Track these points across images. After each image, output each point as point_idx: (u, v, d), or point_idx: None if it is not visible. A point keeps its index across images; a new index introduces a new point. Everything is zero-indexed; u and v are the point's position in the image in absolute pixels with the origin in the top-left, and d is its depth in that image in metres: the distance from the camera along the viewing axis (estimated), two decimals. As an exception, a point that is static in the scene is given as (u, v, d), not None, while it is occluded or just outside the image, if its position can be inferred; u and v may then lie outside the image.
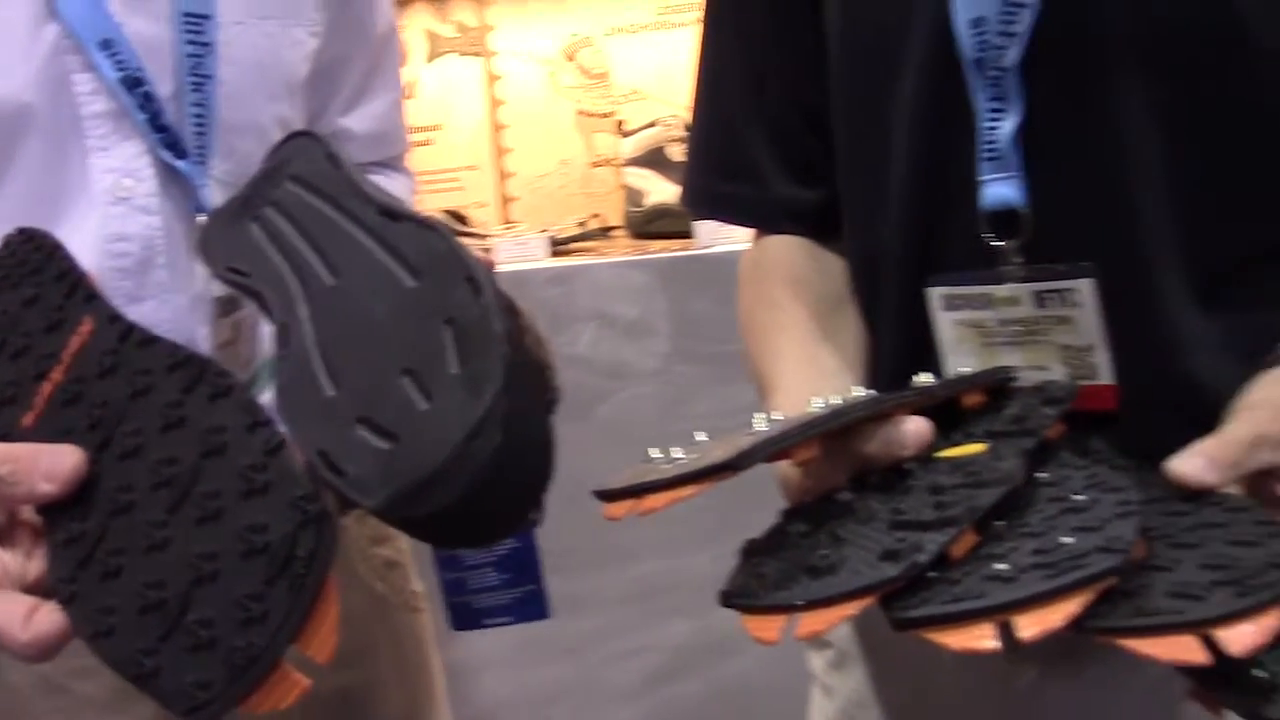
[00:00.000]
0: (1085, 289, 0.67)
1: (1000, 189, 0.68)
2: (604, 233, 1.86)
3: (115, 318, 0.58)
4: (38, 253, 0.62)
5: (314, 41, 0.83)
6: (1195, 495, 0.57)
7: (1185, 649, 0.46)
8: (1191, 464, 0.58)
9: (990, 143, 0.68)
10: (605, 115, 1.96)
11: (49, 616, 0.50)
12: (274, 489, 0.51)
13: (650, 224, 1.83)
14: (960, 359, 0.72)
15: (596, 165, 1.97)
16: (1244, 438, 0.59)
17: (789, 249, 0.82)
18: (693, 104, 0.86)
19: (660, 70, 1.94)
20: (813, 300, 0.79)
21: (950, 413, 0.66)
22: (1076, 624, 0.47)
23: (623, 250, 1.78)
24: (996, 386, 0.69)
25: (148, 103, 0.72)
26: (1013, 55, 0.66)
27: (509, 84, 1.95)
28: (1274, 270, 0.68)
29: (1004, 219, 0.68)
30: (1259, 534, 0.52)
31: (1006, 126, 0.67)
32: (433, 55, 1.95)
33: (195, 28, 0.74)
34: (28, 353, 0.59)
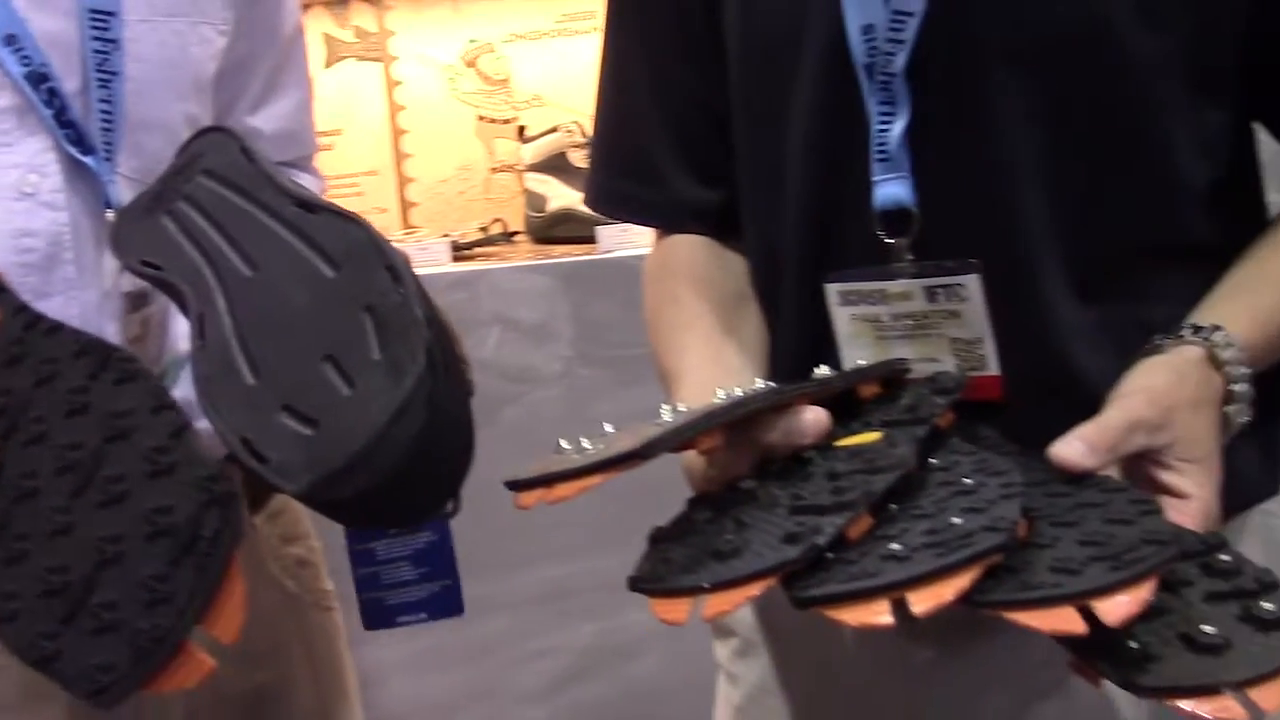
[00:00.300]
0: (972, 284, 0.70)
1: (891, 189, 0.71)
2: (507, 238, 1.86)
3: (21, 308, 0.58)
4: None
5: (222, 40, 0.83)
6: (1076, 478, 0.61)
7: (1065, 620, 0.49)
8: (1071, 448, 0.61)
9: (881, 144, 0.71)
10: (506, 121, 1.96)
11: None
12: (179, 470, 0.51)
13: (552, 229, 1.85)
14: (856, 352, 0.75)
15: (498, 171, 1.97)
16: (1120, 423, 0.63)
17: (692, 248, 0.85)
18: (596, 106, 0.88)
19: (560, 77, 1.96)
20: (716, 297, 0.81)
21: (848, 403, 0.69)
22: (965, 598, 0.50)
23: (525, 255, 1.79)
24: (891, 378, 0.72)
25: (53, 98, 0.72)
26: (900, 61, 0.69)
27: (409, 89, 1.95)
28: (1146, 266, 0.72)
29: (895, 217, 0.71)
30: (1133, 512, 0.56)
31: (896, 129, 0.70)
32: (331, 60, 1.93)
33: (101, 24, 0.73)
34: None
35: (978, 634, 0.76)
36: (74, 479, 0.52)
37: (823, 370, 0.69)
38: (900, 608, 0.50)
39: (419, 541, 0.80)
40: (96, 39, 0.73)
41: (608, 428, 0.61)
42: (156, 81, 0.78)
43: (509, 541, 1.76)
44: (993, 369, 0.72)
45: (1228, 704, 0.49)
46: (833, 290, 0.74)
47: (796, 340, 0.78)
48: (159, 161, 0.65)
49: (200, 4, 0.82)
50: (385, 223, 1.95)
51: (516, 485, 0.56)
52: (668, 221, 0.87)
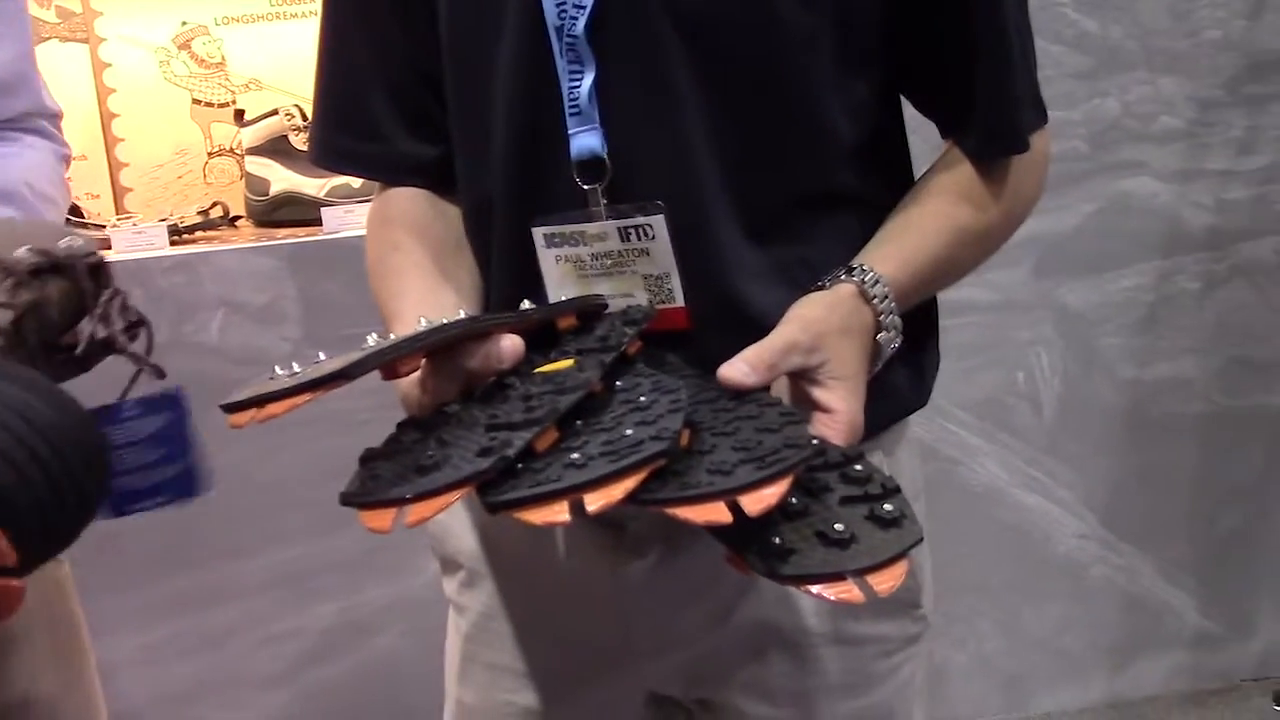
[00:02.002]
0: (658, 224, 0.78)
1: (585, 140, 0.78)
2: (230, 221, 1.84)
3: None
4: None
5: None
6: (740, 394, 0.69)
7: (715, 512, 0.56)
8: (735, 369, 0.70)
9: (573, 100, 0.77)
10: (223, 105, 1.94)
11: None
12: None
13: (275, 212, 1.83)
14: (562, 291, 0.81)
15: (216, 155, 1.94)
16: (777, 345, 0.72)
17: (411, 200, 0.89)
18: (317, 68, 0.91)
19: (277, 60, 1.94)
20: (434, 244, 0.86)
21: (550, 335, 0.76)
22: (633, 498, 0.56)
23: (248, 238, 1.77)
24: (588, 311, 0.79)
25: None
26: (580, 24, 0.76)
27: (118, 72, 1.89)
28: (806, 213, 0.82)
29: (590, 165, 0.78)
30: (780, 422, 0.64)
31: (585, 85, 0.77)
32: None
33: None
34: None
35: (678, 552, 0.84)
36: None
37: (525, 305, 0.75)
38: (577, 508, 0.55)
39: (152, 424, 0.77)
40: None
41: (321, 355, 0.64)
42: None
43: (241, 528, 1.75)
44: (679, 301, 0.80)
45: (849, 588, 0.57)
46: (538, 234, 0.81)
47: (508, 282, 0.84)
48: None
49: None
50: (98, 208, 1.89)
51: (230, 407, 0.59)
52: (387, 175, 0.91)
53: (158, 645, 1.77)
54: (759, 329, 0.74)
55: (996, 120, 0.83)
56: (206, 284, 1.68)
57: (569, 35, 0.76)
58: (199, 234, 1.79)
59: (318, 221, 1.74)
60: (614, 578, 0.86)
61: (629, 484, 0.56)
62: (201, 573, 1.76)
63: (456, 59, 0.84)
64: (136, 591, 1.75)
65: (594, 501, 0.55)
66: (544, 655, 0.90)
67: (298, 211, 1.80)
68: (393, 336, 0.66)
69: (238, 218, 1.87)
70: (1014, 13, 0.82)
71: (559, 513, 0.55)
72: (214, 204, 1.83)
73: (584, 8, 0.76)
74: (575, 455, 0.57)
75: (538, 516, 0.55)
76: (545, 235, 0.81)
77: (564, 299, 0.80)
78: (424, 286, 0.83)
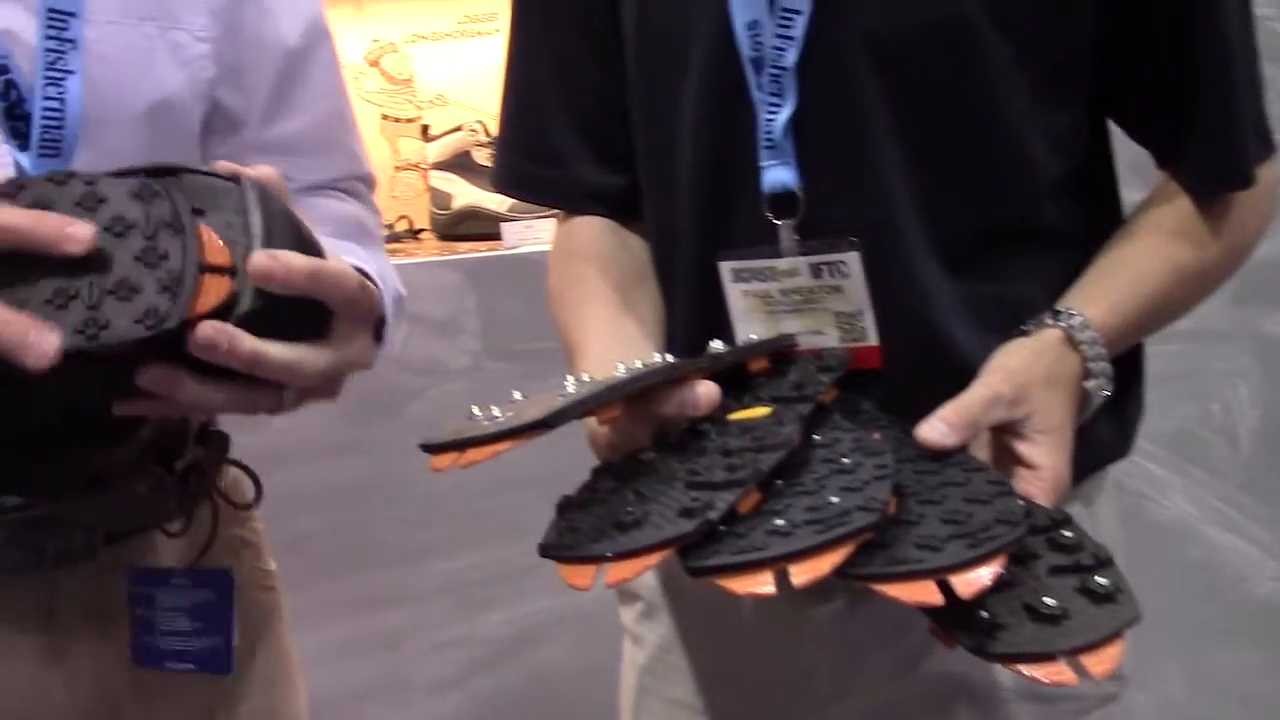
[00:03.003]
0: (852, 261, 0.76)
1: (777, 174, 0.76)
2: (413, 235, 1.89)
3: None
4: None
5: (202, 46, 0.84)
6: (941, 454, 0.66)
7: (925, 592, 0.54)
8: (935, 429, 0.67)
9: (768, 133, 0.76)
10: (410, 120, 1.99)
11: None
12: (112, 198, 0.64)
13: (457, 226, 1.87)
14: (748, 326, 0.80)
15: (402, 169, 2.00)
16: (978, 401, 0.69)
17: (595, 230, 0.89)
18: (502, 94, 0.92)
19: (463, 77, 1.98)
20: (617, 276, 0.86)
21: (739, 376, 0.74)
22: (840, 571, 0.55)
23: (431, 252, 1.81)
24: (779, 352, 0.77)
25: (9, 90, 0.73)
26: (791, 56, 0.74)
27: (313, 89, 1.96)
28: (1005, 248, 0.79)
29: (781, 200, 0.77)
30: (991, 492, 0.61)
31: (781, 118, 0.75)
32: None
33: (59, 24, 0.74)
34: None
35: (865, 597, 0.81)
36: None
37: (716, 345, 0.73)
38: (782, 578, 0.54)
39: (199, 597, 0.83)
40: (52, 38, 0.74)
41: (516, 395, 0.65)
42: (120, 83, 0.79)
43: (417, 532, 1.79)
44: (872, 340, 0.77)
45: (1061, 669, 0.55)
46: (725, 268, 0.79)
47: (692, 315, 0.83)
48: (119, 160, 0.68)
49: (173, 9, 0.83)
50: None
51: (431, 449, 0.59)
52: (571, 203, 0.91)
53: (334, 644, 1.82)
54: (955, 369, 0.72)
55: (1218, 151, 0.78)
56: (391, 296, 1.72)
57: (775, 67, 0.75)
58: (385, 246, 1.83)
59: (498, 236, 1.77)
60: (798, 620, 0.84)
61: (836, 558, 0.54)
62: (379, 575, 1.81)
63: (643, 87, 0.84)
64: (316, 591, 1.80)
65: (800, 574, 0.54)
66: (722, 694, 0.88)
67: (479, 226, 1.84)
68: (586, 377, 0.66)
69: (421, 231, 1.91)
70: (1238, 33, 0.77)
71: (763, 583, 0.54)
72: (400, 218, 1.88)
73: (793, 39, 0.74)
74: (780, 522, 0.56)
75: (741, 586, 0.54)
76: (733, 270, 0.80)
77: (754, 339, 0.79)
78: (607, 318, 0.82)
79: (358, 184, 0.99)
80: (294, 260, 0.64)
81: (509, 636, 1.83)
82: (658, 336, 0.84)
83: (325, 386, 0.72)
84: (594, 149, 0.88)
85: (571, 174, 0.88)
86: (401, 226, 1.86)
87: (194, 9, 0.84)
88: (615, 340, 0.79)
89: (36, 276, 0.61)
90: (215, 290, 0.62)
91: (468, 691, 1.85)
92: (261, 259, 0.63)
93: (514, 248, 1.75)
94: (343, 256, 0.72)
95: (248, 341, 0.62)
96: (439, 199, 1.89)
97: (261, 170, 0.68)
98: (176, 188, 0.64)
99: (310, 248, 0.67)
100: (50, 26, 0.74)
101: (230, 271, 0.63)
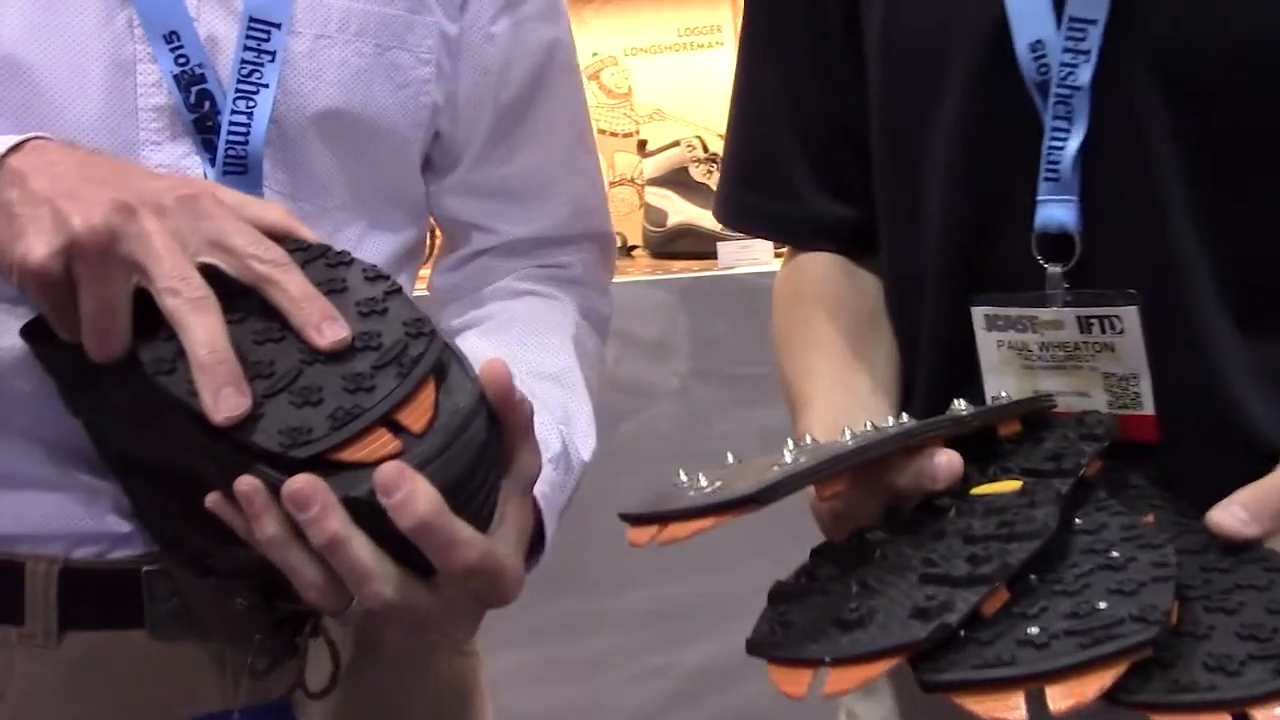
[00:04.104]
0: (1129, 317, 0.67)
1: (1055, 211, 0.68)
2: (626, 252, 1.86)
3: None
4: None
5: (424, 69, 0.78)
6: (1235, 547, 0.57)
7: None
8: (1231, 515, 0.58)
9: (1053, 163, 0.67)
10: (627, 135, 1.96)
11: None
12: (390, 313, 0.60)
13: (671, 244, 1.84)
14: (1000, 381, 0.72)
15: (617, 185, 1.97)
16: None
17: (824, 267, 0.83)
18: (729, 120, 0.86)
19: (681, 91, 1.95)
20: (847, 319, 0.79)
21: (986, 441, 0.66)
22: (1108, 694, 0.47)
23: (643, 270, 1.78)
24: (1034, 415, 0.68)
25: (202, 102, 0.70)
26: (1085, 74, 0.66)
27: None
28: None
29: (1055, 241, 0.68)
30: None
31: (1070, 147, 0.67)
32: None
33: (260, 34, 0.71)
34: None
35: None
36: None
37: (959, 405, 0.65)
38: (1036, 700, 0.47)
39: (262, 709, 0.75)
40: (250, 49, 0.71)
41: (730, 458, 0.59)
42: (326, 100, 0.74)
43: (622, 558, 1.75)
44: (1147, 408, 0.68)
45: None
46: (979, 313, 0.71)
47: (935, 366, 0.75)
48: (311, 179, 0.64)
49: (397, 29, 0.77)
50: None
51: (631, 519, 0.54)
52: (799, 238, 0.85)
53: (532, 666, 1.81)
54: (1247, 446, 0.63)
55: None
56: (603, 314, 1.70)
57: (1065, 86, 0.66)
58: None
59: (713, 255, 1.73)
60: (1031, 703, 0.75)
61: (1104, 680, 0.46)
62: (584, 598, 1.79)
63: (888, 111, 0.76)
64: (521, 611, 1.79)
65: (1059, 699, 0.46)
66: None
67: (694, 244, 1.80)
68: (809, 439, 0.59)
69: (634, 248, 1.89)
70: None
71: (1012, 707, 0.46)
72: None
73: (1085, 54, 0.65)
74: (1033, 630, 0.48)
75: (985, 708, 0.47)
76: (987, 316, 0.71)
77: (1006, 399, 0.70)
78: (834, 370, 0.76)
79: (588, 244, 0.89)
80: (415, 501, 0.55)
81: (710, 669, 1.79)
82: (892, 390, 0.77)
83: (399, 627, 0.62)
84: (826, 179, 0.81)
85: (801, 207, 0.82)
86: (615, 243, 1.84)
87: (422, 29, 0.78)
88: (842, 394, 0.72)
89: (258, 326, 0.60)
90: (373, 449, 0.57)
91: (662, 725, 1.81)
92: (391, 473, 0.55)
93: (730, 268, 1.71)
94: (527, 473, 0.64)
95: (335, 521, 0.55)
96: (654, 215, 1.86)
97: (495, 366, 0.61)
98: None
99: (482, 466, 0.60)
100: (250, 37, 0.71)
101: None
